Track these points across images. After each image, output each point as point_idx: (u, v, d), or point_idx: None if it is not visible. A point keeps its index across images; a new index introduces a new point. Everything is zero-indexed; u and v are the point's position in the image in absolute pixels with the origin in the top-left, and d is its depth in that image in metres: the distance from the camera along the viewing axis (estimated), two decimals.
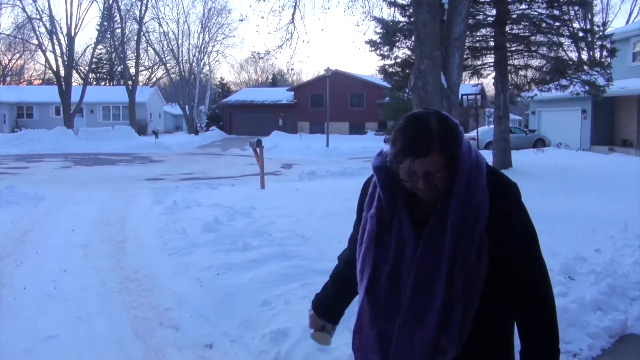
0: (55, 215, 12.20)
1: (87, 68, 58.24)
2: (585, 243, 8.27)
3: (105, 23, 56.41)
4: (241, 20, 68.37)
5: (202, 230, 9.31)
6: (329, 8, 35.94)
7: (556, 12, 19.15)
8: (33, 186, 16.59)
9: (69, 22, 50.78)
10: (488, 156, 21.37)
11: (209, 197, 13.78)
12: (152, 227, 10.54)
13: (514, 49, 20.45)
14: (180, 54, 61.07)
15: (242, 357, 4.88)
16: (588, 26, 21.51)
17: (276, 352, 4.77)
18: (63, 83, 49.21)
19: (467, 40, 16.40)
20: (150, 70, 68.10)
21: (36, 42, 50.28)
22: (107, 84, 76.40)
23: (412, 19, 14.96)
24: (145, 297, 6.49)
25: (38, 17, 48.43)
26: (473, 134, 33.87)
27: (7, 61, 64.32)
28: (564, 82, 20.46)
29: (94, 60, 64.43)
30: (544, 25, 19.12)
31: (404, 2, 18.93)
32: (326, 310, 2.58)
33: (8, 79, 68.36)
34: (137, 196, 15.05)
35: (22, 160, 28.81)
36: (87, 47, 69.13)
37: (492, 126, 24.23)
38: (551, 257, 7.20)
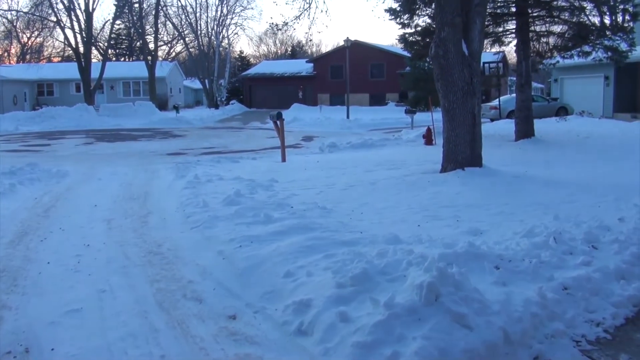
0: (78, 191, 12.29)
1: (106, 44, 58.34)
2: (608, 212, 8.18)
3: None
4: None
5: (223, 204, 9.35)
6: None
7: None
8: (55, 163, 16.73)
9: None
10: (510, 125, 21.22)
11: (230, 171, 13.83)
12: (174, 201, 10.60)
13: (535, 14, 20.12)
14: (199, 28, 61.05)
15: (266, 328, 4.91)
16: None
17: (299, 323, 4.78)
18: (82, 60, 49.27)
19: (488, 6, 16.17)
20: (169, 44, 68.01)
21: (54, 19, 50.31)
22: (127, 60, 76.50)
23: None
24: (168, 270, 6.53)
25: None
26: (495, 102, 33.62)
27: (26, 39, 64.65)
28: (586, 48, 20.17)
29: (113, 36, 64.45)
30: None
31: None
32: None
33: (28, 57, 68.73)
34: (159, 171, 15.13)
35: (44, 137, 29.02)
36: (106, 22, 69.53)
37: (514, 95, 23.97)
38: (574, 226, 7.16)
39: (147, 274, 6.42)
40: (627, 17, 22.64)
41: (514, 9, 19.98)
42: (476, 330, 4.33)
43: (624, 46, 19.76)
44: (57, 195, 11.68)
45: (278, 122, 17.12)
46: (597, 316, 4.95)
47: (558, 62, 22.68)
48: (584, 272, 5.54)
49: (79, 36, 49.75)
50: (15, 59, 69.20)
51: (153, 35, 57.43)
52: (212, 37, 61.44)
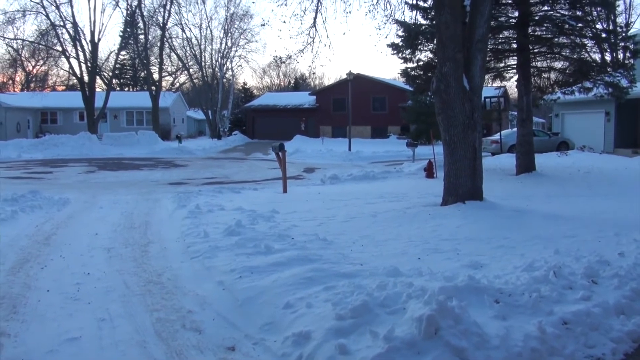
0: (79, 219, 12.31)
1: (110, 74, 58.68)
2: (608, 247, 8.18)
3: (128, 29, 56.87)
4: (263, 25, 68.12)
5: (224, 234, 9.36)
6: (350, 12, 35.97)
7: (579, 13, 18.93)
8: (57, 190, 16.77)
9: (92, 29, 51.24)
10: (511, 159, 21.27)
11: (232, 201, 13.84)
12: (175, 230, 10.62)
13: (536, 50, 20.30)
14: (203, 59, 61.43)
15: (265, 359, 4.89)
16: (611, 27, 21.16)
17: (298, 355, 4.77)
18: (87, 89, 49.61)
19: (489, 43, 16.31)
20: (173, 75, 68.43)
21: (60, 48, 50.72)
22: (131, 90, 76.98)
23: (434, 22, 14.93)
24: (168, 299, 6.53)
25: (61, 24, 48.88)
26: (496, 137, 33.73)
27: (31, 68, 65.08)
28: (587, 84, 20.31)
29: (118, 66, 64.97)
30: (566, 26, 18.97)
31: (425, 5, 18.87)
32: None
33: (32, 85, 69.15)
34: (160, 200, 15.16)
35: (46, 165, 29.12)
36: (111, 53, 70.11)
37: (515, 129, 24.08)
38: (574, 260, 7.15)
39: (146, 303, 6.42)
40: (627, 54, 22.82)
41: (515, 45, 20.16)
42: None
43: (624, 82, 19.92)
44: (58, 223, 11.70)
45: (280, 154, 17.19)
46: (596, 351, 4.93)
47: (559, 97, 22.82)
48: (584, 307, 5.53)
49: (83, 66, 50.22)
50: (19, 86, 69.63)
51: (157, 66, 57.83)
52: (216, 69, 61.85)
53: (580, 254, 7.50)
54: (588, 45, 20.05)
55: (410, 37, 19.36)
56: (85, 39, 50.58)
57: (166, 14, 54.74)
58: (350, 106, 41.37)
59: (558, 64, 21.33)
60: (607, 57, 26.45)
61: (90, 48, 50.23)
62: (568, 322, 5.25)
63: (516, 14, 19.42)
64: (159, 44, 56.72)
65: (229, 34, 60.89)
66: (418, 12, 19.30)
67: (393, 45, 20.06)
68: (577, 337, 5.06)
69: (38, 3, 47.02)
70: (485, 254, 7.96)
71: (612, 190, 15.30)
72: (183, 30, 65.92)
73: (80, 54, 49.91)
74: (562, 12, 19.20)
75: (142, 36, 55.92)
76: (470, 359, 4.34)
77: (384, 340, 4.49)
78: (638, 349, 5.12)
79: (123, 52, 63.09)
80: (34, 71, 67.05)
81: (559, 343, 4.90)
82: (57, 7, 47.94)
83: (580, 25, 19.10)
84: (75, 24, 49.16)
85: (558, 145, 33.49)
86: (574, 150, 30.62)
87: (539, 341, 4.77)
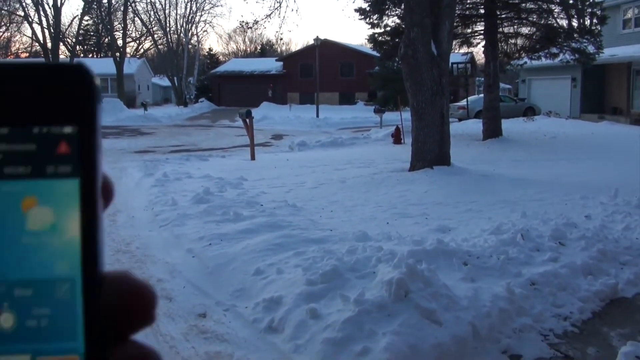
0: None
1: (74, 40, 57.58)
2: (575, 210, 8.32)
3: None
4: None
5: (193, 202, 9.30)
6: None
7: None
8: None
9: None
10: (478, 125, 21.41)
11: (199, 169, 13.75)
12: (142, 199, 10.52)
13: (504, 16, 20.35)
14: (168, 25, 60.54)
15: (236, 325, 4.89)
16: None
17: (269, 320, 4.78)
18: (50, 55, 48.64)
19: (457, 8, 16.30)
20: (137, 41, 67.32)
21: (22, 13, 49.69)
22: (95, 56, 75.57)
23: None
24: (137, 268, 6.48)
25: None
26: (463, 102, 33.89)
27: None
28: (554, 50, 20.46)
29: (81, 32, 63.66)
30: None
31: None
32: None
33: None
34: (127, 169, 14.99)
35: None
36: (74, 18, 68.55)
37: (482, 95, 24.21)
38: (542, 223, 7.25)
39: None
40: (594, 21, 22.96)
41: (482, 11, 20.17)
42: (445, 325, 4.37)
43: (591, 49, 20.08)
44: None
45: (247, 120, 17.07)
46: (564, 311, 5.02)
47: (525, 63, 22.95)
48: (551, 268, 5.62)
49: (47, 32, 49.20)
50: None
51: (121, 31, 56.89)
52: (181, 34, 61.05)
53: (547, 217, 7.61)
54: (555, 11, 20.18)
55: (378, 2, 19.26)
56: (47, 4, 49.45)
57: None
58: (318, 72, 41.17)
59: (525, 30, 21.47)
60: (574, 23, 26.60)
61: (53, 13, 49.19)
62: (536, 283, 5.33)
63: None
64: (122, 9, 55.78)
65: None
66: None
67: (360, 10, 19.95)
68: (545, 297, 5.15)
69: None
70: (453, 217, 8.04)
71: (578, 154, 15.50)
72: None
73: (43, 19, 48.94)
74: None
75: (105, 0, 54.91)
76: (440, 320, 4.39)
77: (354, 304, 4.51)
78: (605, 307, 5.22)
79: (86, 17, 61.91)
80: None
81: (527, 303, 4.98)
82: None
83: None
84: None
85: (524, 110, 33.74)
86: (540, 115, 30.91)
87: (508, 301, 4.84)
